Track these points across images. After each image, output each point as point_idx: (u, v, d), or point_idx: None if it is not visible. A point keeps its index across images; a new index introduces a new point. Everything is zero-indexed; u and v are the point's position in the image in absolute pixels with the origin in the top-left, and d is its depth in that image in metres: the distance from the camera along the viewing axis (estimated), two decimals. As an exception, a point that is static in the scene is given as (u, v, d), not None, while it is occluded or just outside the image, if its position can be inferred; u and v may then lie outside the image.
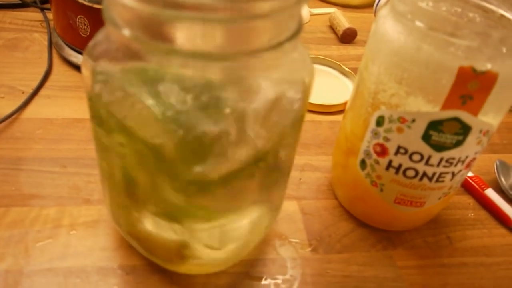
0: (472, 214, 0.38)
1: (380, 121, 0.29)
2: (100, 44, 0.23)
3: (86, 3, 0.42)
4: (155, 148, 0.22)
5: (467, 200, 0.39)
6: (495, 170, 0.41)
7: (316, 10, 0.66)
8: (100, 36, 0.23)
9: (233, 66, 0.20)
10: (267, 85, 0.22)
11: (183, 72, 0.21)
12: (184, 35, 0.19)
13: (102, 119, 0.24)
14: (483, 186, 0.39)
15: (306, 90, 0.24)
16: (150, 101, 0.21)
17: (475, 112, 0.26)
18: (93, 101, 0.24)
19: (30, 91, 0.43)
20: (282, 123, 0.24)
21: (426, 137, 0.28)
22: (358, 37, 0.60)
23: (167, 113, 0.21)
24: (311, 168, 0.40)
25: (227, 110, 0.21)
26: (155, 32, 0.19)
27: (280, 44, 0.20)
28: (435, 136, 0.27)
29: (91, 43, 0.23)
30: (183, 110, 0.21)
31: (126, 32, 0.20)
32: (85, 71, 0.23)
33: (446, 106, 0.26)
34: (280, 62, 0.22)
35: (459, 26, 0.24)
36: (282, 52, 0.21)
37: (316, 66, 0.53)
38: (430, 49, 0.25)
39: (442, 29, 0.25)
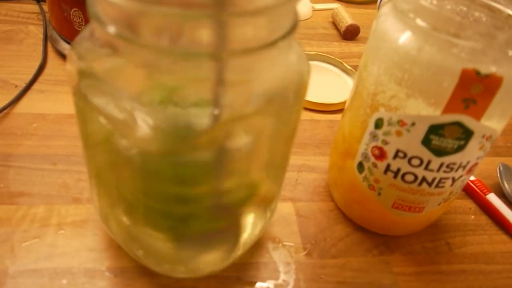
0: (473, 219, 0.37)
1: (379, 124, 0.28)
2: (85, 40, 0.22)
3: (81, -4, 0.41)
4: (137, 150, 0.21)
5: (468, 204, 0.38)
6: (498, 174, 0.40)
7: (318, 6, 0.64)
8: (86, 31, 0.22)
9: (225, 65, 0.19)
10: (260, 84, 0.21)
11: (171, 71, 0.19)
12: (173, 33, 0.18)
13: (86, 116, 0.23)
14: (485, 191, 0.38)
15: (302, 89, 0.23)
16: (132, 104, 0.20)
17: (478, 117, 0.25)
18: (77, 98, 0.23)
19: (23, 85, 0.42)
20: (277, 120, 0.23)
21: (426, 142, 0.27)
22: (361, 34, 0.59)
23: (151, 114, 0.20)
24: (308, 168, 0.39)
25: (216, 111, 0.20)
26: (141, 30, 0.18)
27: (274, 43, 0.19)
28: (435, 141, 0.26)
29: (77, 39, 0.22)
30: (170, 110, 0.20)
31: (111, 29, 0.19)
32: (70, 67, 0.22)
33: (447, 109, 0.25)
34: (275, 60, 0.21)
35: (463, 26, 0.23)
36: (277, 50, 0.20)
37: (317, 63, 0.52)
38: (432, 50, 0.24)
39: (445, 29, 0.24)
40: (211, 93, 0.20)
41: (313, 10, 0.63)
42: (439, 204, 0.31)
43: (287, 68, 0.22)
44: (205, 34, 0.18)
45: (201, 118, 0.20)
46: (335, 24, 0.61)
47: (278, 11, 0.18)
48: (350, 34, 0.58)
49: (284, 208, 0.35)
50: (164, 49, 0.18)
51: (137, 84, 0.21)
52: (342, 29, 0.58)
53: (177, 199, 0.24)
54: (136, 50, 0.19)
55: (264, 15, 0.18)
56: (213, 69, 0.20)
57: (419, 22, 0.25)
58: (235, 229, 0.27)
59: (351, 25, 0.58)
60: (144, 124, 0.20)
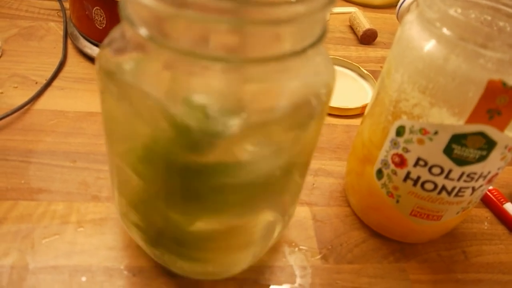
0: (489, 228, 0.37)
1: (400, 131, 0.28)
2: (115, 41, 0.22)
3: (103, -5, 0.41)
4: (167, 147, 0.21)
5: (485, 213, 0.38)
6: (515, 184, 0.40)
7: (336, 9, 0.64)
8: (116, 32, 0.22)
9: (254, 71, 0.19)
10: (287, 90, 0.21)
11: (201, 75, 0.20)
12: (205, 38, 0.18)
13: (113, 115, 0.23)
14: (501, 200, 0.38)
15: (327, 95, 0.23)
16: (164, 103, 0.20)
17: (501, 128, 0.25)
18: (105, 96, 0.23)
19: (43, 81, 0.42)
20: (301, 128, 0.23)
21: (448, 151, 0.27)
22: (378, 39, 0.59)
23: (181, 114, 0.20)
24: (324, 173, 0.39)
25: (244, 115, 0.21)
26: (173, 33, 0.18)
27: (303, 50, 0.19)
28: (457, 150, 0.26)
29: (106, 40, 0.23)
30: (199, 111, 0.20)
31: (143, 31, 0.19)
32: (99, 67, 0.22)
33: (471, 120, 0.25)
34: (303, 67, 0.21)
35: (490, 37, 0.23)
36: (305, 58, 0.20)
37: (334, 67, 0.52)
38: (458, 59, 0.24)
39: (472, 39, 0.24)
40: (238, 99, 0.20)
41: (330, 14, 0.63)
42: (457, 213, 0.31)
43: (314, 75, 0.22)
44: (234, 40, 0.19)
45: (227, 123, 0.20)
46: (352, 28, 0.61)
47: (308, 20, 0.18)
48: (368, 38, 0.58)
49: (300, 212, 0.35)
50: (195, 53, 0.18)
51: (166, 86, 0.21)
52: (360, 33, 0.58)
53: (197, 201, 0.24)
54: (166, 53, 0.19)
55: (295, 23, 0.18)
56: (240, 75, 0.20)
57: (446, 31, 0.25)
58: (254, 233, 0.27)
59: (368, 30, 0.58)
60: (171, 126, 0.20)
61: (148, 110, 0.21)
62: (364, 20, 0.59)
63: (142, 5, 0.18)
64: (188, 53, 0.18)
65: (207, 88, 0.20)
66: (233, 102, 0.20)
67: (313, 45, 0.20)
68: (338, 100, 0.45)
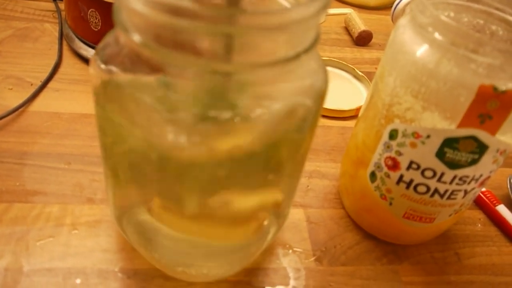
0: (482, 230, 0.37)
1: (393, 135, 0.28)
2: (109, 46, 0.22)
3: (98, -3, 0.41)
4: (161, 151, 0.22)
5: (478, 215, 0.38)
6: (508, 186, 0.40)
7: (331, 10, 0.65)
8: (110, 38, 0.22)
9: (248, 77, 0.19)
10: (281, 94, 0.22)
11: (194, 81, 0.20)
12: (198, 45, 0.18)
13: (106, 119, 0.23)
14: (494, 202, 0.38)
15: (320, 99, 0.23)
16: (157, 106, 0.20)
17: (493, 132, 0.25)
18: (98, 101, 0.23)
19: (38, 83, 0.42)
20: (294, 132, 0.23)
21: (440, 154, 0.27)
22: (373, 40, 0.59)
23: (175, 117, 0.20)
24: (319, 175, 0.39)
25: (238, 119, 0.21)
26: (167, 40, 0.19)
27: (297, 56, 0.19)
28: (449, 154, 0.27)
29: (100, 45, 0.23)
30: (192, 116, 0.20)
31: (136, 38, 0.19)
32: (93, 72, 0.22)
33: (463, 124, 0.25)
34: (296, 71, 0.21)
35: (481, 42, 0.23)
36: (299, 62, 0.20)
37: (329, 69, 0.52)
38: (450, 64, 0.24)
39: (464, 44, 0.24)
40: (231, 103, 0.20)
41: (326, 15, 0.64)
42: (450, 215, 0.31)
43: (307, 78, 0.22)
44: (228, 47, 0.19)
45: (220, 127, 0.21)
46: (347, 30, 0.61)
47: (302, 26, 0.19)
48: (363, 40, 0.58)
49: (295, 214, 0.35)
50: (188, 60, 0.19)
51: (158, 92, 0.21)
52: (355, 34, 0.58)
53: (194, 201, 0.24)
54: (159, 60, 0.19)
55: (288, 30, 0.18)
56: (237, 80, 0.20)
57: (438, 36, 0.25)
58: (249, 236, 0.27)
59: (364, 31, 0.58)
60: (164, 133, 0.20)
61: (141, 114, 0.21)
62: (360, 21, 0.59)
63: (136, 12, 0.18)
64: (181, 59, 0.18)
65: (200, 93, 0.20)
66: (226, 106, 0.20)
67: (307, 50, 0.20)
68: (333, 102, 0.45)
